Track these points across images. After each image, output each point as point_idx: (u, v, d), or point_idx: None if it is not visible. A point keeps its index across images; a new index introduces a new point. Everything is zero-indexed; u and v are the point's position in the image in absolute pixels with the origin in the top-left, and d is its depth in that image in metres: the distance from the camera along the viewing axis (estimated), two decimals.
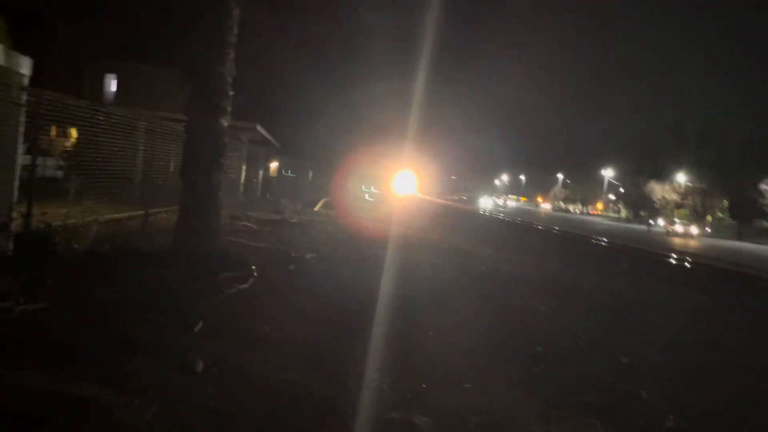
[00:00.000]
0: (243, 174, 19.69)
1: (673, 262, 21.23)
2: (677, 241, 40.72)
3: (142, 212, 10.67)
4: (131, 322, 5.14)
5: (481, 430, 3.93)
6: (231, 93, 8.05)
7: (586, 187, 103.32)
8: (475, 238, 19.93)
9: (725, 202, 67.21)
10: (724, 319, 9.83)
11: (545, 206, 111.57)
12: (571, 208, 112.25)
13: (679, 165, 75.58)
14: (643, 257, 21.76)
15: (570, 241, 27.04)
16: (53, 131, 9.23)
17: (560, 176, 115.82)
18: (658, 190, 73.49)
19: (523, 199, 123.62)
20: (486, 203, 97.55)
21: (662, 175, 76.80)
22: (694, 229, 51.79)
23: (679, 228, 52.04)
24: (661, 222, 67.57)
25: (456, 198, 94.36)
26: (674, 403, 4.89)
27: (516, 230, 31.67)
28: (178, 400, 3.74)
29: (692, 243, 41.15)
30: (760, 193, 55.61)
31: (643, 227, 68.30)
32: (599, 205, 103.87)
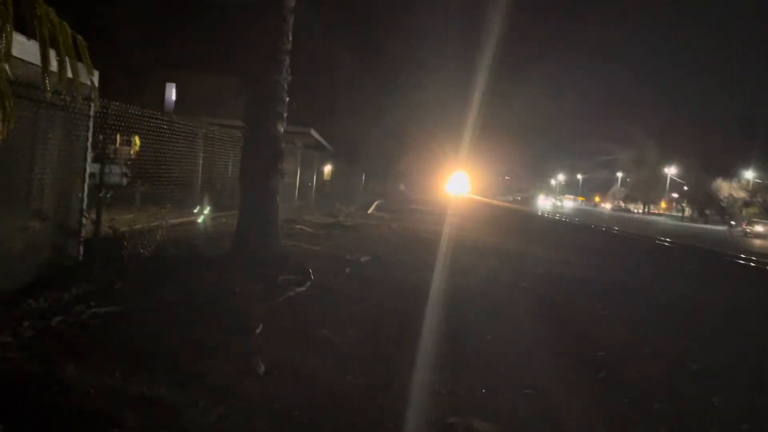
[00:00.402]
0: (298, 178, 19.99)
1: (744, 262, 20.27)
2: (758, 242, 37.87)
3: (203, 217, 10.97)
4: (195, 325, 5.28)
5: None
6: (287, 99, 8.19)
7: (648, 186, 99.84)
8: (530, 239, 19.58)
9: None
10: None
11: (605, 206, 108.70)
12: (632, 207, 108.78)
13: (746, 161, 72.25)
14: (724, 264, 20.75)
15: (633, 242, 26.22)
16: (118, 139, 9.63)
17: (620, 174, 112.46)
18: (725, 188, 70.44)
19: (580, 198, 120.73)
20: (543, 204, 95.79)
21: (729, 171, 73.57)
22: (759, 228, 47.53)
23: (759, 228, 47.55)
24: (733, 222, 63.92)
25: (510, 198, 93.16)
26: (747, 412, 4.66)
27: (574, 231, 30.93)
28: (241, 402, 3.82)
29: None
30: None
31: (715, 227, 65.47)
32: (663, 204, 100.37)
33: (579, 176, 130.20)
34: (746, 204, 70.48)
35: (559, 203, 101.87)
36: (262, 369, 4.33)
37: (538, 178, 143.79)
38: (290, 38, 8.07)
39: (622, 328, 7.22)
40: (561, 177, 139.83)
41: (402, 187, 49.73)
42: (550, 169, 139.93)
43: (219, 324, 5.42)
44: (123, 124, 7.90)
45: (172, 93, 29.87)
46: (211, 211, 11.86)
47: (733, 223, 52.27)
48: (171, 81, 29.52)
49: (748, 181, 69.42)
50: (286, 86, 8.10)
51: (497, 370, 5.04)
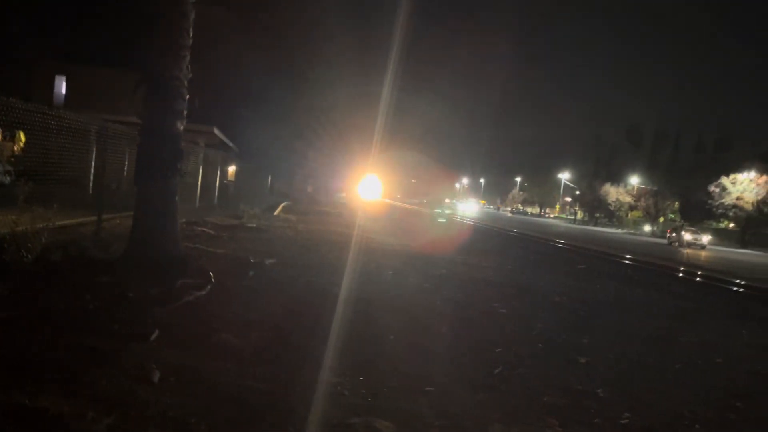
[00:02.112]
0: (200, 178, 19.36)
1: (629, 262, 21.78)
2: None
3: (95, 218, 10.38)
4: (85, 331, 4.99)
5: None
6: (187, 96, 7.92)
7: (543, 190, 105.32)
8: (434, 241, 20.07)
9: (677, 204, 69.41)
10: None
11: (506, 209, 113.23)
12: (529, 210, 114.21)
13: (633, 168, 77.88)
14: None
15: (529, 243, 27.46)
16: None
17: (518, 179, 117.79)
18: (613, 193, 75.47)
19: (482, 201, 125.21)
20: (448, 207, 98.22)
21: (617, 177, 78.94)
22: (704, 239, 44.59)
23: (688, 236, 44.43)
24: (648, 228, 66.85)
25: (417, 201, 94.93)
26: (630, 401, 5.02)
27: (475, 233, 32.00)
28: (134, 412, 3.64)
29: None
30: (710, 195, 57.59)
31: (604, 229, 69.84)
32: (557, 208, 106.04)
33: (481, 180, 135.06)
34: (632, 208, 75.92)
35: (462, 206, 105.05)
36: (156, 376, 4.15)
37: (445, 182, 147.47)
38: (191, 34, 7.81)
39: (518, 326, 7.55)
40: (465, 181, 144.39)
41: (310, 189, 49.42)
42: (455, 173, 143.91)
43: (111, 330, 5.15)
44: (3, 118, 7.33)
45: (62, 86, 28.07)
46: (106, 212, 11.24)
47: (674, 235, 47.66)
48: (61, 74, 27.73)
49: (633, 187, 74.77)
50: (186, 83, 7.83)
51: (399, 370, 5.12)
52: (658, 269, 20.52)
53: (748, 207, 54.68)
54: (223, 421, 3.69)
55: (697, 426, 4.63)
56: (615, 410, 4.75)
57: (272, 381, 4.44)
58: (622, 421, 4.54)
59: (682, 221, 66.52)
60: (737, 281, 17.87)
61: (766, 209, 54.26)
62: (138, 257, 7.45)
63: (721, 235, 61.98)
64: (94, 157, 12.10)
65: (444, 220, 41.40)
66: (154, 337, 5.06)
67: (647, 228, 68.48)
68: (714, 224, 67.99)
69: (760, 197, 54.21)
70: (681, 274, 19.36)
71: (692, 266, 22.66)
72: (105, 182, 11.73)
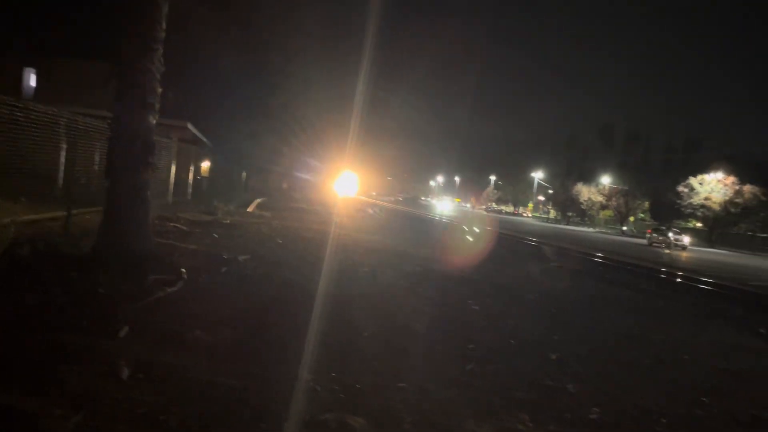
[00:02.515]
0: (173, 173, 19.11)
1: (601, 260, 22.10)
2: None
3: (65, 213, 10.17)
4: (52, 328, 4.90)
5: (416, 428, 3.96)
6: (160, 90, 7.80)
7: (517, 189, 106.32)
8: (410, 238, 20.12)
9: (647, 204, 70.70)
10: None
11: (480, 207, 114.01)
12: (503, 208, 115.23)
13: (604, 168, 79.07)
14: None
15: (504, 241, 27.70)
16: None
17: (492, 178, 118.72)
18: (585, 192, 76.56)
19: (457, 200, 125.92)
20: (423, 204, 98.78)
21: (589, 177, 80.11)
22: (685, 239, 43.99)
23: (669, 236, 43.87)
24: (625, 228, 67.19)
25: (393, 199, 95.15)
26: (599, 397, 5.10)
27: (449, 230, 32.17)
28: (102, 408, 3.59)
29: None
30: (678, 195, 58.77)
31: (576, 228, 70.77)
32: (530, 206, 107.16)
33: (456, 178, 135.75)
34: (603, 207, 77.12)
35: (437, 203, 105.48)
36: (125, 373, 4.09)
37: (419, 180, 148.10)
38: (164, 26, 7.70)
39: (490, 322, 7.62)
40: (440, 179, 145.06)
41: (285, 186, 49.10)
42: (430, 171, 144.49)
43: (80, 326, 5.07)
44: None
45: (31, 79, 27.43)
46: (77, 206, 11.04)
47: (654, 235, 47.23)
48: (30, 66, 27.10)
49: (604, 186, 75.93)
50: (159, 76, 7.71)
51: (373, 366, 5.12)
52: (647, 271, 20.81)
53: (716, 207, 55.94)
54: (193, 418, 3.65)
55: (664, 421, 4.73)
56: (585, 405, 4.82)
57: (244, 377, 4.40)
58: (592, 416, 4.61)
59: (653, 220, 67.79)
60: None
61: (732, 209, 55.56)
62: (108, 253, 7.32)
63: (689, 235, 63.35)
64: (64, 150, 11.87)
65: (420, 215, 41.52)
66: (123, 333, 4.99)
67: (625, 228, 69.53)
68: (683, 224, 69.43)
69: (727, 197, 55.50)
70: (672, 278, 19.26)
71: (677, 268, 22.76)
72: (75, 176, 11.53)
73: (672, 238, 43.59)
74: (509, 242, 27.60)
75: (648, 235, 48.42)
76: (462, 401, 4.56)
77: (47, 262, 7.12)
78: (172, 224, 12.84)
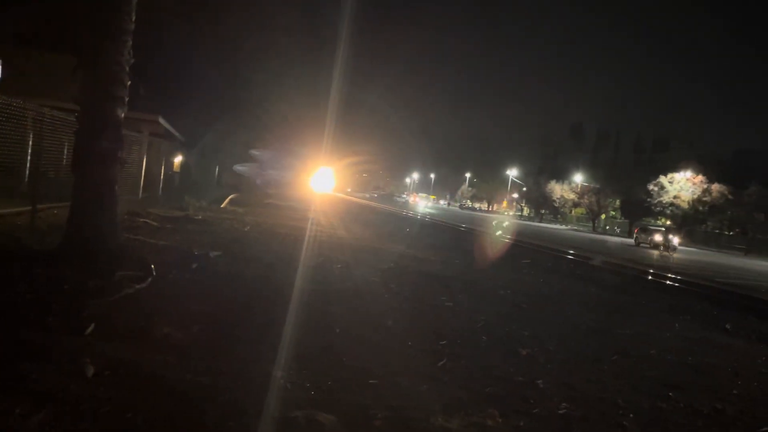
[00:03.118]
0: (144, 168, 18.81)
1: (572, 257, 22.36)
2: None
3: (30, 208, 9.95)
4: (16, 325, 4.80)
5: (386, 424, 3.96)
6: (129, 82, 7.66)
7: (492, 186, 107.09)
8: (383, 234, 20.12)
9: (618, 202, 71.80)
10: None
11: (454, 204, 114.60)
12: (477, 206, 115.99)
13: (577, 166, 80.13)
14: None
15: (476, 238, 27.87)
16: None
17: (468, 175, 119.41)
18: (558, 190, 77.47)
19: (432, 197, 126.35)
20: (398, 200, 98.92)
21: (562, 175, 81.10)
22: (675, 240, 40.04)
23: (659, 238, 40.89)
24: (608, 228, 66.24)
25: (367, 196, 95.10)
26: (568, 392, 5.16)
27: (424, 227, 32.25)
28: (66, 407, 3.52)
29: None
30: (649, 193, 59.80)
31: (549, 225, 71.55)
32: (504, 203, 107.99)
33: (431, 175, 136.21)
34: (575, 205, 78.15)
35: (411, 201, 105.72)
36: (91, 371, 4.01)
37: (395, 176, 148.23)
38: (133, 18, 7.55)
39: (462, 319, 7.66)
40: (416, 176, 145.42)
41: (259, 181, 48.66)
42: (406, 168, 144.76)
43: (45, 323, 4.96)
44: None
45: None
46: (44, 201, 10.80)
47: (642, 235, 44.53)
48: None
49: (577, 184, 76.93)
50: (127, 69, 7.57)
51: (344, 363, 5.11)
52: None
53: (685, 205, 57.06)
54: (161, 416, 3.60)
55: (631, 415, 4.80)
56: (553, 400, 4.88)
57: (214, 374, 4.36)
58: (560, 411, 4.66)
59: (624, 218, 68.81)
60: None
61: (701, 207, 56.75)
62: (75, 248, 7.18)
63: (678, 235, 64.58)
64: (30, 144, 11.59)
65: (394, 212, 41.52)
66: (89, 330, 4.90)
67: (609, 227, 70.24)
68: (653, 221, 70.72)
69: (695, 196, 56.64)
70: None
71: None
72: (42, 170, 11.26)
73: (660, 239, 40.60)
74: (483, 240, 27.76)
75: (635, 235, 46.54)
76: (432, 396, 4.58)
77: (12, 257, 6.97)
78: (142, 220, 12.65)
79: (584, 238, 46.29)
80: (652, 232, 43.78)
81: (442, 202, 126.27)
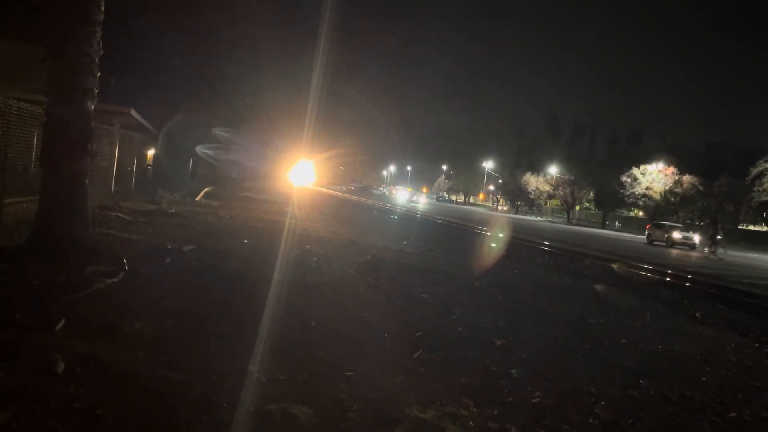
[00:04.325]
0: (115, 162, 18.50)
1: (547, 248, 22.60)
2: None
3: None
4: None
5: (361, 416, 3.97)
6: (99, 74, 7.52)
7: (468, 178, 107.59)
8: (359, 227, 20.11)
9: (592, 194, 72.63)
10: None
11: (431, 196, 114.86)
12: (453, 198, 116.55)
13: (552, 158, 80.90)
14: None
15: (452, 230, 28.01)
16: None
17: (444, 167, 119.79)
18: (533, 182, 78.12)
19: (409, 189, 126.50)
20: (375, 193, 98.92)
21: (537, 167, 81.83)
22: (696, 238, 36.07)
23: (677, 235, 36.59)
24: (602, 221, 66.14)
25: (344, 189, 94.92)
26: (541, 381, 5.23)
27: (401, 220, 32.32)
28: (34, 405, 3.45)
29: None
30: (622, 185, 60.59)
31: (525, 216, 72.11)
32: (481, 196, 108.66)
33: (408, 168, 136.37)
34: (550, 196, 78.95)
35: (388, 193, 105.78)
36: (61, 367, 3.94)
37: (372, 169, 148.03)
38: (102, 8, 7.40)
39: (438, 310, 7.69)
40: (392, 168, 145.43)
41: (234, 175, 48.18)
42: (383, 160, 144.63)
43: (12, 320, 4.86)
44: None
45: None
46: (12, 195, 10.56)
47: (657, 231, 39.23)
48: None
49: (552, 176, 77.66)
50: (97, 60, 7.42)
51: (319, 356, 5.10)
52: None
53: (656, 196, 57.96)
54: (132, 413, 3.55)
55: (603, 403, 4.88)
56: (527, 390, 4.93)
57: (187, 370, 4.31)
58: (534, 400, 4.72)
59: (598, 209, 69.63)
60: None
61: (672, 198, 57.69)
62: (44, 243, 7.04)
63: (631, 224, 65.64)
64: None
65: (370, 204, 41.49)
66: (59, 326, 4.81)
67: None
68: (625, 212, 71.81)
69: (667, 187, 57.56)
70: None
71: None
72: (9, 164, 11.00)
73: (680, 237, 36.22)
74: (459, 232, 27.91)
75: (647, 232, 40.83)
76: (407, 388, 4.60)
77: None
78: (113, 214, 12.45)
79: (569, 231, 46.61)
80: (668, 229, 38.09)
81: (417, 196, 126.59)
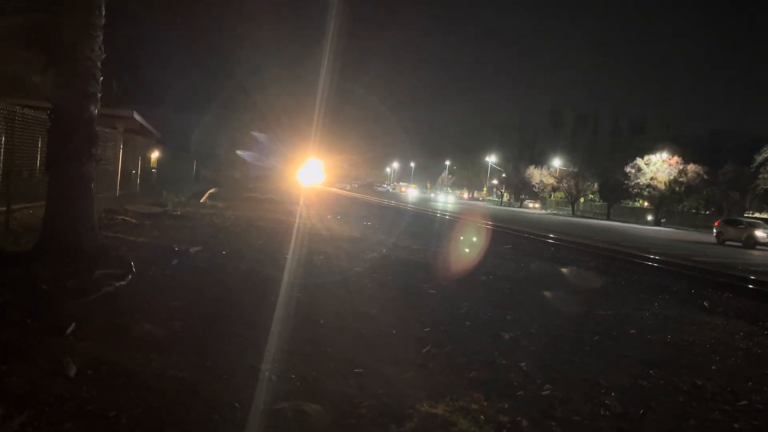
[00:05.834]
0: (120, 165, 18.55)
1: (553, 241, 22.53)
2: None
3: (4, 209, 9.76)
4: None
5: (371, 412, 3.98)
6: (101, 78, 7.54)
7: (471, 173, 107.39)
8: (364, 225, 20.12)
9: (596, 185, 72.47)
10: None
11: (435, 193, 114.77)
12: (459, 193, 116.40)
13: (555, 150, 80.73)
14: None
15: (458, 225, 27.98)
16: None
17: (447, 163, 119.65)
18: (537, 175, 77.94)
19: (413, 185, 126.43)
20: (379, 190, 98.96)
21: (540, 160, 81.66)
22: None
23: (760, 234, 29.35)
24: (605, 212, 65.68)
25: (348, 187, 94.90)
26: (551, 373, 5.23)
27: (405, 216, 32.30)
28: (48, 407, 3.48)
29: None
30: (626, 176, 60.39)
31: (528, 210, 71.93)
32: (485, 190, 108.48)
33: (412, 164, 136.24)
34: (554, 189, 78.77)
35: (392, 190, 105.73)
36: (73, 370, 3.97)
37: (375, 166, 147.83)
38: (103, 12, 7.42)
39: (446, 305, 7.70)
40: (396, 165, 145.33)
41: (238, 175, 48.29)
42: (386, 157, 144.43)
43: (24, 324, 4.90)
44: None
45: None
46: (18, 201, 10.60)
47: (730, 229, 31.83)
48: None
49: (555, 169, 77.49)
50: (99, 64, 7.44)
51: (329, 354, 5.12)
52: None
53: (661, 186, 57.74)
54: (144, 413, 3.58)
55: (613, 394, 4.88)
56: (537, 383, 4.94)
57: (197, 370, 4.34)
58: (544, 393, 4.73)
59: (602, 201, 69.39)
60: None
61: (677, 188, 57.47)
62: (52, 248, 7.07)
63: (636, 214, 65.44)
64: (2, 143, 11.36)
65: (374, 202, 41.45)
66: (70, 330, 4.84)
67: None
68: (630, 203, 71.59)
69: (672, 177, 57.33)
70: None
71: None
72: (15, 170, 11.05)
73: (764, 236, 29.51)
74: (468, 228, 27.88)
75: (716, 229, 33.25)
76: (417, 383, 4.61)
77: None
78: (120, 217, 12.51)
79: (585, 225, 46.41)
80: (747, 227, 30.75)
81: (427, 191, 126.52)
